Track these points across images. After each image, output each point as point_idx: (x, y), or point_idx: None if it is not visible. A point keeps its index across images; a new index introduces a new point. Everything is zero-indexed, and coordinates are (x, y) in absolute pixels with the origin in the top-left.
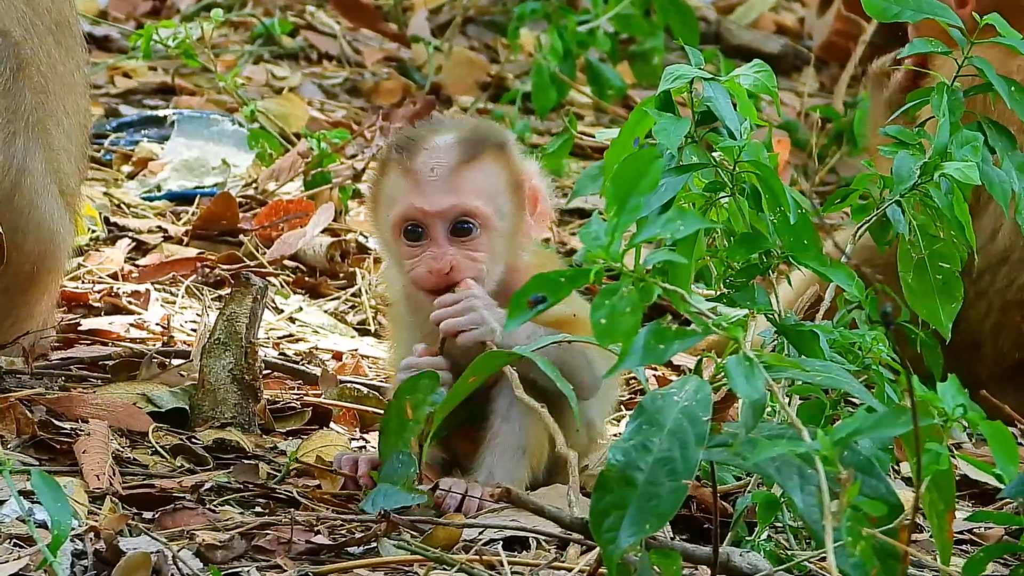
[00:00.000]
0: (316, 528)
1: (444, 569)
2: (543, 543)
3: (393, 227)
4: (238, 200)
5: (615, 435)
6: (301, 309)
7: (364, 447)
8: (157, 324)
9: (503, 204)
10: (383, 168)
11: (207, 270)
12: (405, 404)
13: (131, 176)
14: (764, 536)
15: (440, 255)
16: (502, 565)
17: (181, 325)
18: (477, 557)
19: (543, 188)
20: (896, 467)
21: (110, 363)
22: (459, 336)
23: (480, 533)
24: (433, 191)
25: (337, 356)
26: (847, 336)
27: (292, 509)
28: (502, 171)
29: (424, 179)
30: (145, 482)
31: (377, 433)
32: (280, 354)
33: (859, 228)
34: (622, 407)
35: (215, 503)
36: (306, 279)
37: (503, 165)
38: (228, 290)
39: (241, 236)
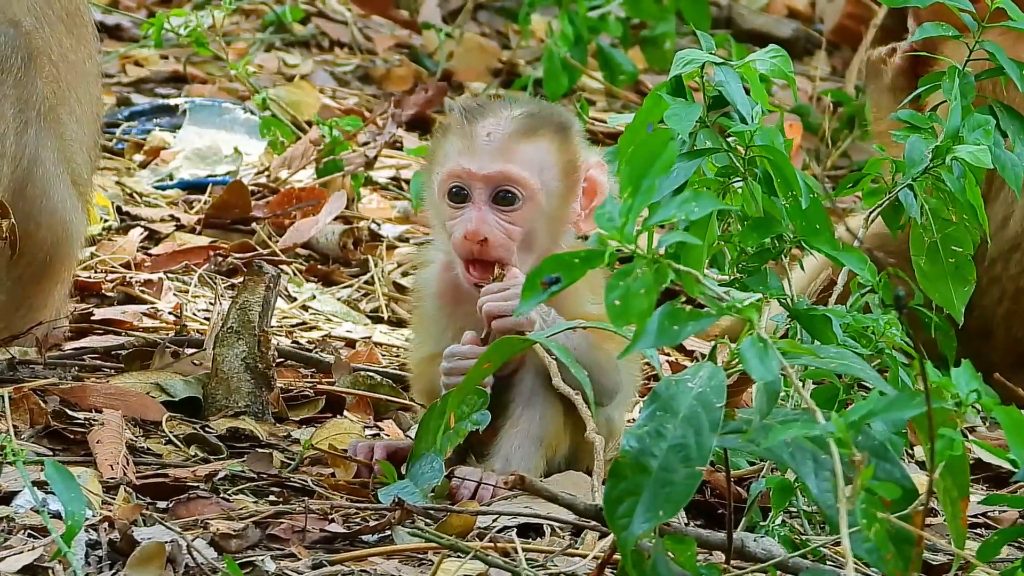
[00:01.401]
0: (330, 516)
1: (458, 556)
2: (557, 530)
3: (440, 185)
4: (250, 188)
5: (630, 420)
6: (314, 297)
7: (378, 435)
8: (170, 313)
9: (551, 182)
10: (444, 130)
11: (220, 259)
12: (449, 412)
13: (143, 165)
14: (778, 521)
15: (477, 218)
16: (516, 552)
17: (194, 314)
18: (492, 544)
19: (604, 182)
20: (910, 451)
21: (123, 352)
22: (495, 321)
23: (494, 520)
24: (483, 154)
25: (350, 344)
26: (860, 320)
27: (306, 497)
28: (557, 151)
29: (478, 142)
30: (159, 471)
31: (393, 421)
32: (293, 342)
33: (871, 212)
34: (636, 393)
35: (229, 492)
36: (319, 267)
37: (559, 146)
38: (241, 279)
39: (254, 224)
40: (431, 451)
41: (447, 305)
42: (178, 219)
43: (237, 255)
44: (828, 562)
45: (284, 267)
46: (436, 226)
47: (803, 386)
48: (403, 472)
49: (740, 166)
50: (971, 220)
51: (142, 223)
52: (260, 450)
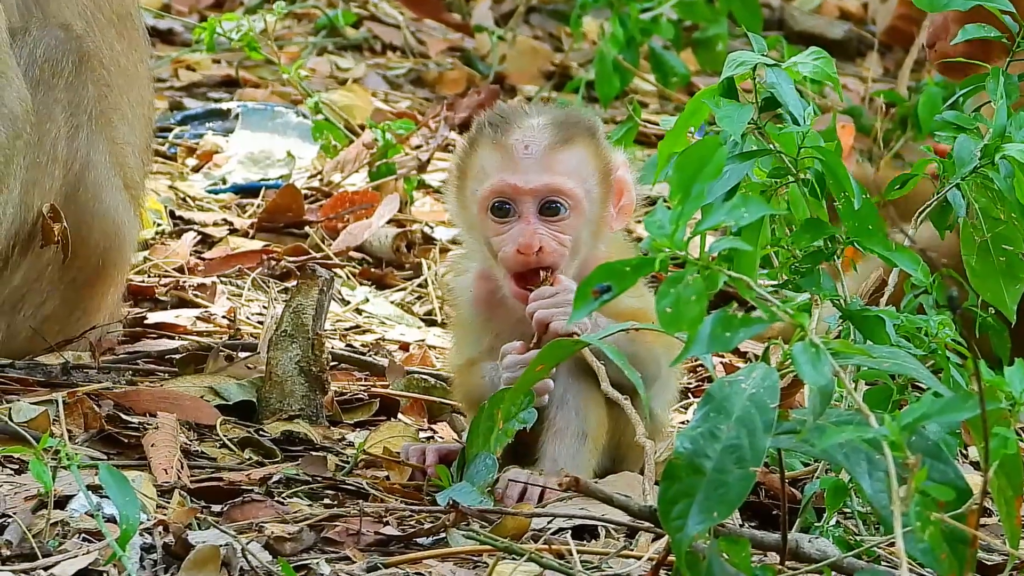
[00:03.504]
0: (385, 519)
1: (513, 559)
2: (612, 531)
3: (481, 202)
4: (303, 192)
5: (683, 423)
6: (367, 300)
7: (432, 437)
8: (224, 317)
9: (592, 188)
10: (473, 143)
11: (273, 262)
12: (497, 412)
13: (196, 169)
14: (833, 522)
15: (529, 231)
16: (571, 554)
17: (247, 318)
18: (546, 546)
19: (629, 180)
20: (964, 451)
21: (177, 356)
22: (551, 324)
23: (549, 522)
24: (527, 168)
25: (404, 347)
26: (913, 321)
27: (361, 500)
28: (593, 156)
29: (518, 156)
30: (213, 475)
31: (447, 424)
32: (347, 345)
33: (920, 212)
34: (690, 395)
35: (284, 495)
36: (372, 270)
37: (594, 150)
38: (294, 282)
39: (307, 228)
40: (483, 448)
41: (484, 312)
42: (231, 223)
43: (290, 259)
44: (882, 563)
45: (337, 270)
46: (473, 240)
47: (856, 387)
48: (455, 474)
49: (791, 168)
50: (1020, 219)
51: (195, 227)
52: (314, 453)
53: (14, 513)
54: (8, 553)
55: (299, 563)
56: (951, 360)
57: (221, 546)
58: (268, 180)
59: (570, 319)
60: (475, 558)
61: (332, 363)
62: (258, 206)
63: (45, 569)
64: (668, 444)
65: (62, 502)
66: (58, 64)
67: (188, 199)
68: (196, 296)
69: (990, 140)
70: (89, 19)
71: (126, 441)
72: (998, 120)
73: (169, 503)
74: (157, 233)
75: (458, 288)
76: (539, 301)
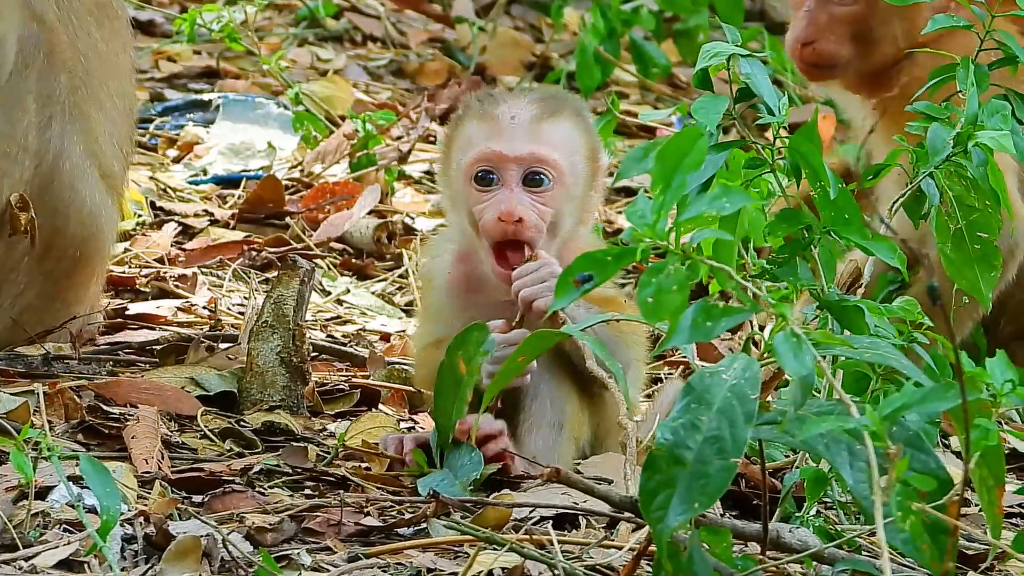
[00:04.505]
0: (366, 510)
1: (494, 549)
2: (593, 522)
3: (466, 170)
4: (284, 183)
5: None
6: (348, 291)
7: (412, 428)
8: (204, 308)
9: (578, 164)
10: (461, 118)
11: (254, 253)
12: (458, 360)
13: (177, 160)
14: (813, 512)
15: (512, 199)
16: (552, 544)
17: (228, 308)
18: (527, 536)
19: (603, 179)
20: (945, 441)
21: (158, 347)
22: (535, 303)
23: (530, 512)
24: (512, 136)
25: (385, 337)
26: (893, 311)
27: (341, 491)
28: (580, 133)
29: (504, 125)
30: (194, 466)
31: (428, 409)
32: (328, 336)
33: (895, 203)
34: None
35: (264, 486)
36: (353, 261)
37: (581, 128)
38: (275, 273)
39: (287, 219)
40: (453, 406)
41: (460, 294)
42: (212, 214)
43: (271, 249)
44: (863, 552)
45: (318, 261)
46: (456, 213)
47: (834, 374)
48: (435, 460)
49: (768, 158)
50: (994, 206)
51: (176, 218)
52: (295, 444)
53: None
54: None
55: (280, 553)
56: (934, 351)
57: (202, 537)
58: (249, 171)
59: (551, 307)
60: (456, 548)
61: (313, 354)
62: (239, 197)
63: (26, 560)
64: (650, 435)
65: (43, 493)
66: (29, 55)
67: (169, 190)
68: (177, 287)
69: (962, 128)
70: (66, 7)
71: (107, 432)
72: (970, 108)
73: (150, 494)
74: (138, 224)
75: (435, 269)
76: (524, 279)
